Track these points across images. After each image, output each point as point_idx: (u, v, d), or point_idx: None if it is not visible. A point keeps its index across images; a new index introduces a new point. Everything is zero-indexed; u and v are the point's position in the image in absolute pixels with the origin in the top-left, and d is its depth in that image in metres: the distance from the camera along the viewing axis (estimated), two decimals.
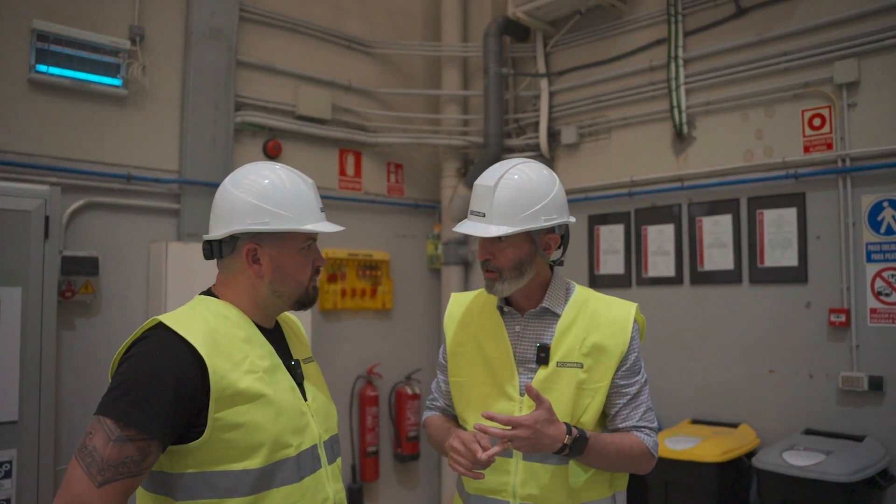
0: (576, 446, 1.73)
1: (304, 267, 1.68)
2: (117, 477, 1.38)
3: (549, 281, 1.94)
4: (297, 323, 1.93)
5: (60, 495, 1.37)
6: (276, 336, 1.73)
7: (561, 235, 1.95)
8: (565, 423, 1.74)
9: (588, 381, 1.85)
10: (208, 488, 1.48)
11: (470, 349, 1.98)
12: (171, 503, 1.49)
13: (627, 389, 1.88)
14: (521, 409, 1.85)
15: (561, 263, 1.97)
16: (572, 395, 1.83)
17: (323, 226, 1.68)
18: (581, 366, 1.85)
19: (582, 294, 1.97)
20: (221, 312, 1.62)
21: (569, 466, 1.83)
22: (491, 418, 1.69)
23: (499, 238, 1.83)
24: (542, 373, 1.86)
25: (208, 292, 1.71)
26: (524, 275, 1.86)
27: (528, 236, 1.85)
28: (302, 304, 1.71)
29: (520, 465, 1.84)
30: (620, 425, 1.89)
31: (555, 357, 1.86)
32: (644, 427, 1.89)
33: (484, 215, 1.82)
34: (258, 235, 1.64)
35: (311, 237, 1.70)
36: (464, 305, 2.07)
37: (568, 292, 1.96)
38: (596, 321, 1.89)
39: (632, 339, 1.89)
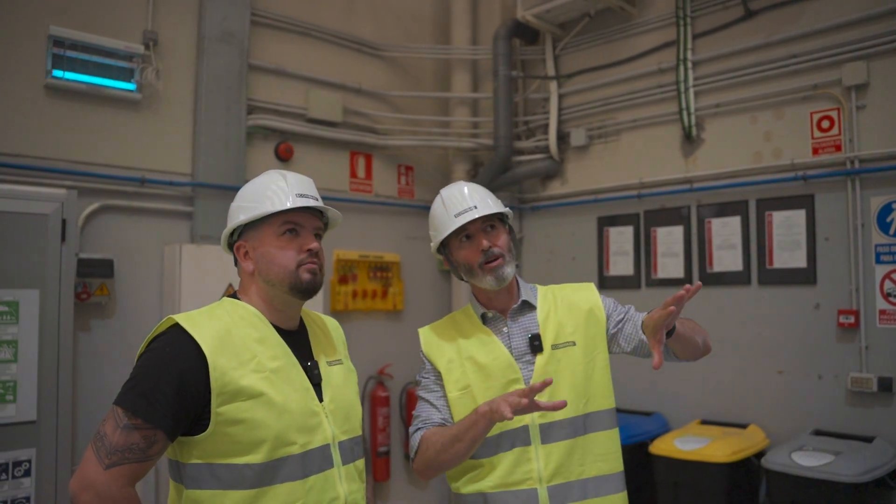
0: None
1: (286, 251, 1.70)
2: (123, 461, 1.48)
3: (515, 280, 2.09)
4: (329, 325, 1.97)
5: (75, 475, 1.50)
6: (297, 337, 1.77)
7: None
8: None
9: (585, 353, 2.01)
10: (213, 479, 1.55)
11: (462, 363, 2.02)
12: (182, 489, 1.59)
13: (627, 315, 2.08)
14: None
15: (518, 265, 2.15)
16: (577, 370, 1.98)
17: (283, 204, 1.70)
18: (574, 343, 2.01)
19: (543, 288, 2.15)
20: (239, 314, 1.69)
21: (584, 438, 1.95)
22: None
23: (491, 227, 2.02)
24: (540, 360, 1.98)
25: (234, 295, 1.78)
26: (514, 259, 2.04)
27: (504, 223, 2.08)
28: (297, 289, 1.70)
29: (540, 451, 1.92)
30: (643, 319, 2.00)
31: (546, 342, 2.00)
32: None
33: (475, 207, 1.99)
34: (242, 234, 1.76)
35: (292, 221, 1.72)
36: (436, 331, 2.13)
37: (533, 288, 2.14)
38: (567, 303, 2.08)
39: (599, 296, 2.11)
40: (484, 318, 2.07)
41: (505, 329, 2.04)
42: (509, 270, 1.99)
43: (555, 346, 1.99)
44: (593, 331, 2.04)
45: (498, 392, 1.93)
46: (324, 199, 1.83)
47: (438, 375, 2.05)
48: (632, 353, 2.06)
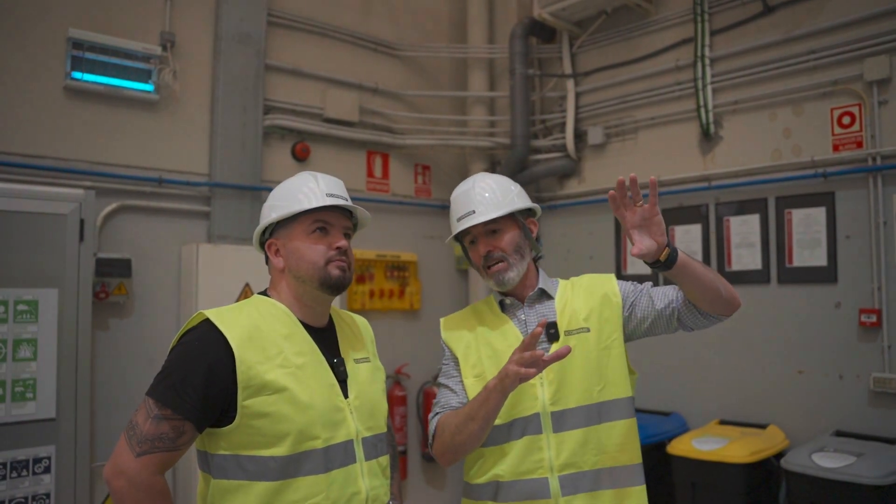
0: (673, 250, 1.80)
1: (316, 248, 1.77)
2: (153, 450, 1.55)
3: (536, 271, 2.10)
4: (359, 325, 2.01)
5: (109, 462, 1.58)
6: (325, 334, 1.82)
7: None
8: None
9: (599, 339, 1.98)
10: (239, 470, 1.61)
11: (478, 348, 2.04)
12: (210, 479, 1.65)
13: (643, 290, 2.03)
14: (543, 385, 1.93)
15: (542, 256, 2.13)
16: (591, 356, 1.96)
17: (313, 202, 1.77)
18: (587, 329, 1.98)
19: (565, 281, 2.14)
20: (269, 310, 1.75)
21: (600, 427, 1.92)
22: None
23: (493, 231, 1.99)
24: (556, 347, 1.95)
25: (264, 293, 1.84)
26: (524, 257, 2.03)
27: (516, 222, 2.03)
28: (327, 285, 1.76)
29: (551, 439, 1.90)
30: (669, 296, 1.99)
31: (561, 329, 1.98)
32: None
33: (474, 212, 1.99)
34: (275, 232, 1.82)
35: (322, 219, 1.79)
36: (457, 319, 2.16)
37: (554, 282, 2.13)
38: (584, 290, 2.06)
39: (619, 285, 2.06)
40: (502, 305, 2.08)
41: (522, 316, 2.04)
42: (511, 275, 1.99)
43: (567, 332, 1.97)
44: (607, 314, 2.01)
45: None
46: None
47: (457, 361, 2.07)
48: (650, 331, 2.01)
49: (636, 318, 2.01)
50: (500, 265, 1.99)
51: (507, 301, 2.07)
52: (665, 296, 1.99)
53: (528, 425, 1.92)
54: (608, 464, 1.92)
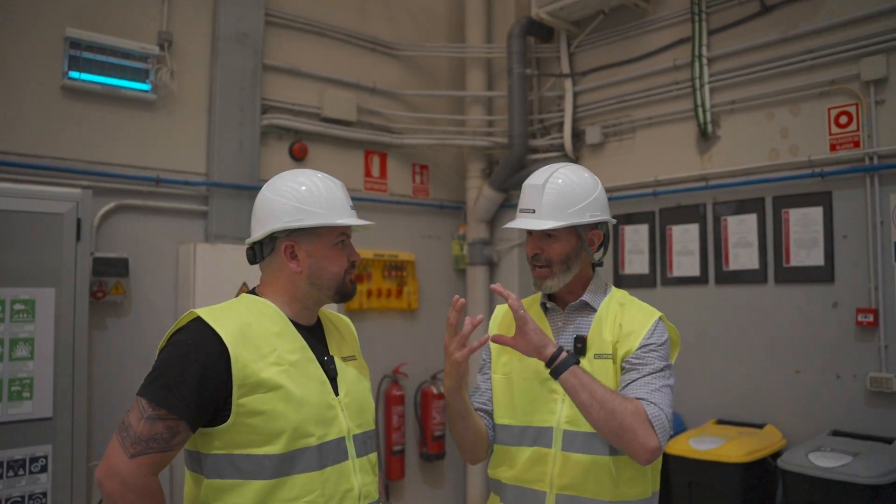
0: (566, 358, 1.77)
1: (339, 259, 1.80)
2: (147, 451, 1.53)
3: (590, 279, 2.02)
4: (346, 324, 2.05)
5: (101, 464, 1.55)
6: (314, 333, 1.84)
7: (603, 234, 2.02)
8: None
9: (616, 370, 1.90)
10: (234, 469, 1.60)
11: (512, 349, 1.99)
12: (202, 480, 1.63)
13: (639, 365, 1.85)
14: (564, 401, 1.89)
15: (601, 264, 2.06)
16: (610, 386, 1.86)
17: (354, 220, 1.81)
18: (612, 359, 1.91)
19: (618, 293, 2.04)
20: (259, 309, 1.75)
21: (611, 459, 1.85)
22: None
23: (548, 234, 1.93)
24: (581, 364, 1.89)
25: (252, 291, 1.84)
26: (571, 269, 1.95)
27: (575, 232, 1.94)
28: (342, 294, 1.82)
29: (558, 456, 1.88)
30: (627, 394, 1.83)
31: (591, 349, 1.92)
32: (652, 402, 1.77)
33: (534, 211, 1.93)
34: (294, 233, 1.77)
35: (344, 233, 1.81)
36: (506, 310, 2.10)
37: (606, 290, 2.04)
38: (625, 315, 1.95)
39: (652, 329, 1.89)
40: (545, 308, 2.05)
41: (560, 323, 2.00)
42: (550, 283, 1.94)
43: (597, 356, 1.90)
44: (621, 353, 1.89)
45: (534, 385, 1.94)
46: None
47: (490, 356, 2.09)
48: None
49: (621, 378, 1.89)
50: (543, 270, 1.95)
51: (549, 305, 2.04)
52: (635, 390, 1.81)
53: (539, 436, 1.91)
54: (611, 497, 1.84)
